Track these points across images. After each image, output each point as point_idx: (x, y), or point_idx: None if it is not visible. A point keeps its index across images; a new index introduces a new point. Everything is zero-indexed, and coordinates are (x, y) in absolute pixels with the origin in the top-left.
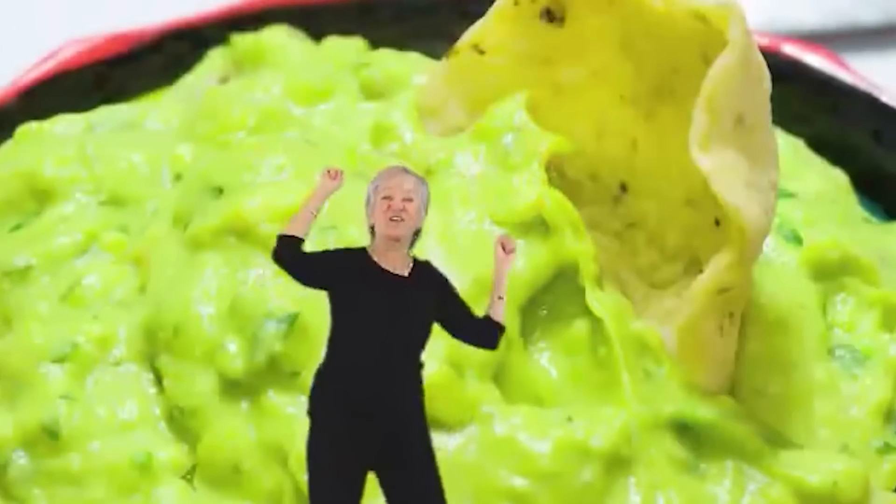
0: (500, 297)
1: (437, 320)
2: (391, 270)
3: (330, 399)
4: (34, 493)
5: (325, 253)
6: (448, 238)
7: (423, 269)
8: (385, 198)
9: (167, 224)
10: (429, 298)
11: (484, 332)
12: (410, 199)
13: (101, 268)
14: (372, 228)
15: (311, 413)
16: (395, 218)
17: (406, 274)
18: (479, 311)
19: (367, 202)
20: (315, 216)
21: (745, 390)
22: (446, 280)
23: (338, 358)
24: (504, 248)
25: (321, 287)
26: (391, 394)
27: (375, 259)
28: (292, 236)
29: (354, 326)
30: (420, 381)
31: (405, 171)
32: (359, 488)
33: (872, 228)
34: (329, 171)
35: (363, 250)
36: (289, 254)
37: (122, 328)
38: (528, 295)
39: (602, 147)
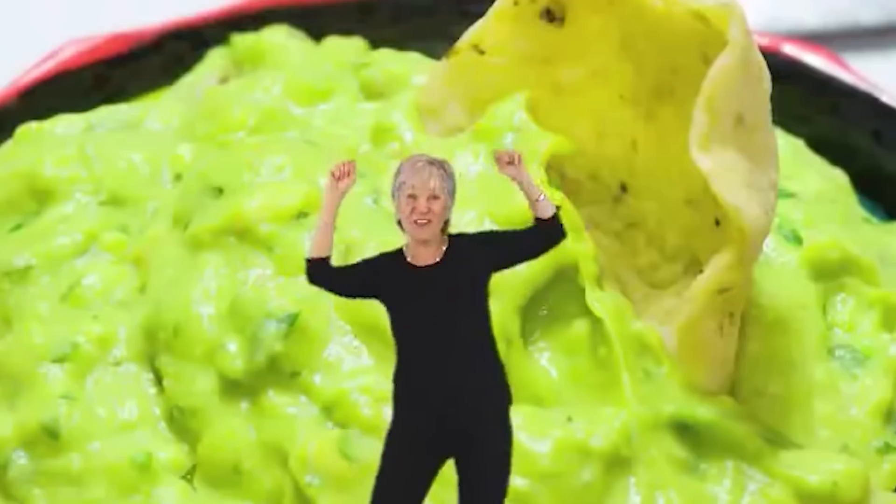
0: (537, 200)
1: (496, 269)
2: (425, 265)
3: (407, 401)
4: (34, 493)
5: (358, 264)
6: None
7: (455, 244)
8: (410, 196)
9: (167, 224)
10: (468, 269)
11: (543, 234)
12: (437, 197)
13: (101, 268)
14: (399, 222)
15: (394, 411)
16: (420, 221)
17: (437, 259)
18: None
19: (392, 194)
20: (333, 226)
21: (745, 390)
22: (481, 234)
23: (406, 363)
24: (508, 160)
25: (366, 296)
26: (466, 385)
27: (409, 259)
28: (319, 258)
29: (409, 330)
30: (496, 357)
31: (430, 163)
32: (425, 484)
33: (872, 228)
34: (334, 173)
35: (398, 252)
36: (321, 275)
37: (122, 328)
38: (528, 295)
39: (602, 147)
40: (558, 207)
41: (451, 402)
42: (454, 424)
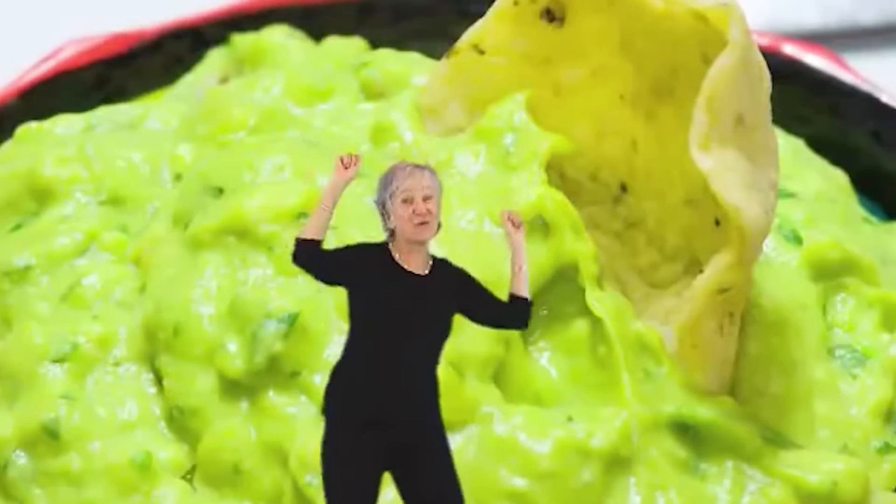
0: (520, 268)
1: (460, 311)
2: (412, 271)
3: (345, 397)
4: (34, 493)
5: (345, 249)
6: (448, 238)
7: (441, 266)
8: (405, 200)
9: (167, 224)
10: (448, 294)
11: (510, 312)
12: (430, 197)
13: (101, 268)
14: (392, 231)
15: (325, 411)
16: (421, 223)
17: (426, 272)
18: None
19: (383, 204)
20: (332, 212)
21: (746, 390)
22: (465, 272)
23: (355, 356)
24: (513, 223)
25: (340, 283)
26: (406, 393)
27: (397, 257)
28: (310, 240)
29: (372, 324)
30: (436, 380)
31: (416, 167)
32: (374, 487)
33: (872, 228)
34: (342, 160)
35: (384, 246)
36: (308, 256)
37: (122, 328)
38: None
39: (602, 147)
40: (529, 303)
41: (390, 401)
42: (393, 430)
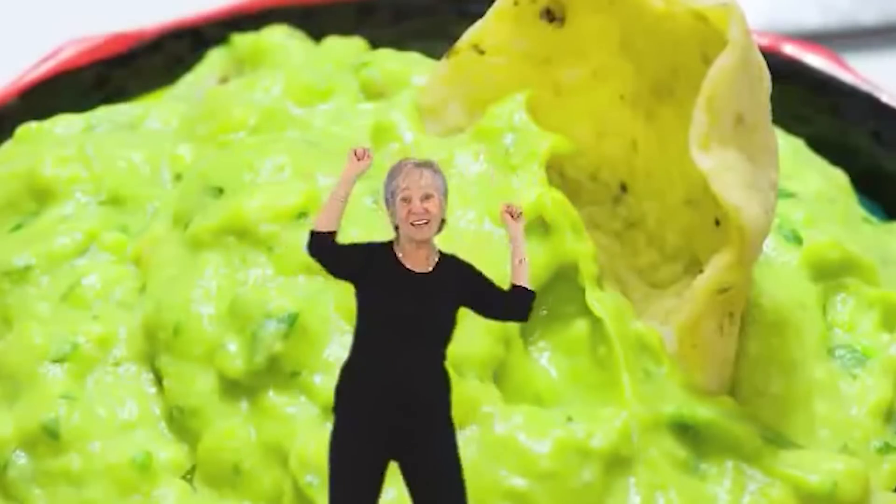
0: (520, 262)
1: (466, 305)
2: (415, 270)
3: (351, 395)
4: (34, 493)
5: (353, 247)
6: (448, 238)
7: (446, 262)
8: (404, 199)
9: (167, 224)
10: (452, 290)
11: (513, 304)
12: (430, 196)
13: (101, 268)
14: (396, 227)
15: (334, 409)
16: (417, 222)
17: (429, 269)
18: None
19: (386, 201)
20: (345, 203)
21: (746, 390)
22: (470, 266)
23: (361, 354)
24: (512, 216)
25: (349, 279)
26: (411, 389)
27: (400, 256)
28: (324, 232)
29: (376, 323)
30: (445, 374)
31: (419, 165)
32: (377, 483)
33: (872, 228)
34: (356, 152)
35: (388, 245)
36: (322, 250)
37: (122, 328)
38: None
39: (602, 147)
40: (532, 295)
41: (406, 402)
42: (406, 426)
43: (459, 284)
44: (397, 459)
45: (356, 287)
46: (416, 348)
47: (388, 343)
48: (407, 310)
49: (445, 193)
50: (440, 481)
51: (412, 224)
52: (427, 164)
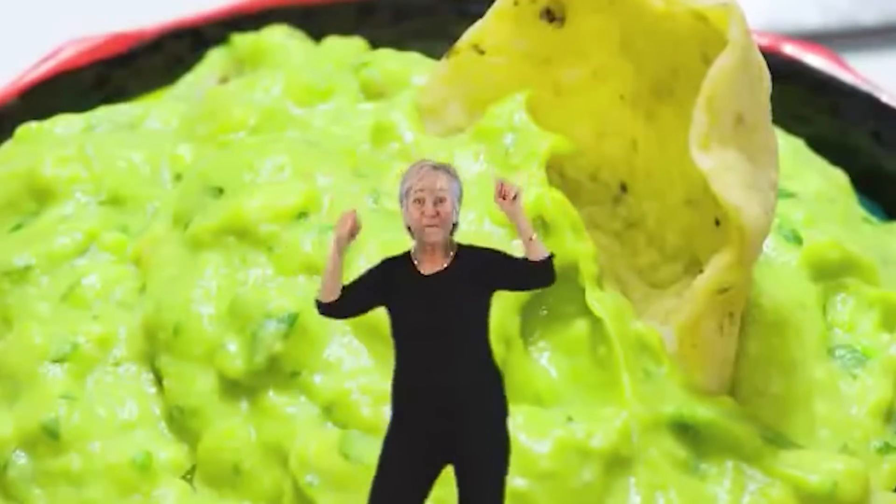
0: (530, 239)
1: (493, 287)
2: (430, 272)
3: (399, 403)
4: (34, 493)
5: (366, 279)
6: None
7: (462, 253)
8: (417, 201)
9: (167, 224)
10: (473, 280)
11: (535, 271)
12: (443, 199)
13: (101, 268)
14: (409, 228)
15: (392, 414)
16: (430, 225)
17: (444, 266)
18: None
19: (400, 200)
20: (341, 270)
21: (746, 390)
22: (485, 250)
23: (402, 369)
24: (503, 196)
25: (374, 307)
26: (457, 392)
27: (416, 263)
28: (329, 302)
29: (409, 335)
30: (492, 367)
31: (434, 167)
32: (424, 482)
33: (872, 228)
34: (344, 218)
35: (406, 256)
36: (334, 312)
37: (122, 328)
38: (527, 295)
39: (602, 147)
40: (552, 255)
41: (446, 408)
42: (449, 430)
43: (479, 272)
44: (447, 463)
45: (386, 307)
46: (452, 351)
47: (423, 353)
48: (431, 316)
49: (460, 197)
50: (485, 489)
51: (424, 226)
52: (443, 168)
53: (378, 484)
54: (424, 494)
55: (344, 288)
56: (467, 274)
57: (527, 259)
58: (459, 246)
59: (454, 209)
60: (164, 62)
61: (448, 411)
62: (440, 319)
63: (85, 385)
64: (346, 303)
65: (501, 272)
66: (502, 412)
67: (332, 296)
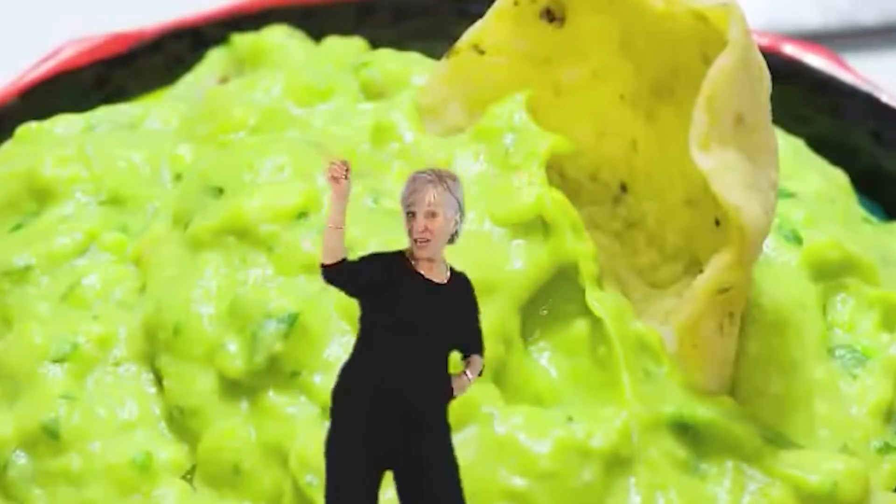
0: (331, 227)
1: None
2: (434, 280)
3: (350, 397)
4: (34, 493)
5: (365, 266)
6: None
7: (460, 279)
8: (409, 213)
9: (167, 224)
10: (467, 303)
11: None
12: (434, 214)
13: (101, 268)
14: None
15: (331, 410)
16: (419, 240)
17: (445, 280)
18: (483, 310)
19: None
20: (343, 228)
21: (746, 390)
22: (472, 298)
23: (363, 357)
24: (333, 175)
25: (368, 295)
26: (416, 396)
27: (414, 264)
28: (336, 262)
29: (387, 331)
30: (448, 378)
31: (431, 180)
32: (374, 487)
33: (872, 228)
34: (334, 176)
35: (399, 254)
36: (339, 278)
37: (122, 328)
38: (528, 295)
39: (602, 147)
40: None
41: (409, 413)
42: (405, 436)
43: (471, 308)
44: (392, 468)
45: (373, 298)
46: (424, 356)
47: (394, 351)
48: (423, 318)
49: (459, 209)
50: (438, 488)
51: (415, 241)
52: (440, 178)
53: (332, 480)
54: (377, 492)
55: (347, 262)
56: (465, 296)
57: (480, 346)
58: (453, 269)
59: (447, 224)
60: (164, 62)
61: (407, 415)
62: (433, 325)
63: (85, 385)
64: (345, 274)
65: (466, 327)
66: (448, 427)
67: (332, 257)
